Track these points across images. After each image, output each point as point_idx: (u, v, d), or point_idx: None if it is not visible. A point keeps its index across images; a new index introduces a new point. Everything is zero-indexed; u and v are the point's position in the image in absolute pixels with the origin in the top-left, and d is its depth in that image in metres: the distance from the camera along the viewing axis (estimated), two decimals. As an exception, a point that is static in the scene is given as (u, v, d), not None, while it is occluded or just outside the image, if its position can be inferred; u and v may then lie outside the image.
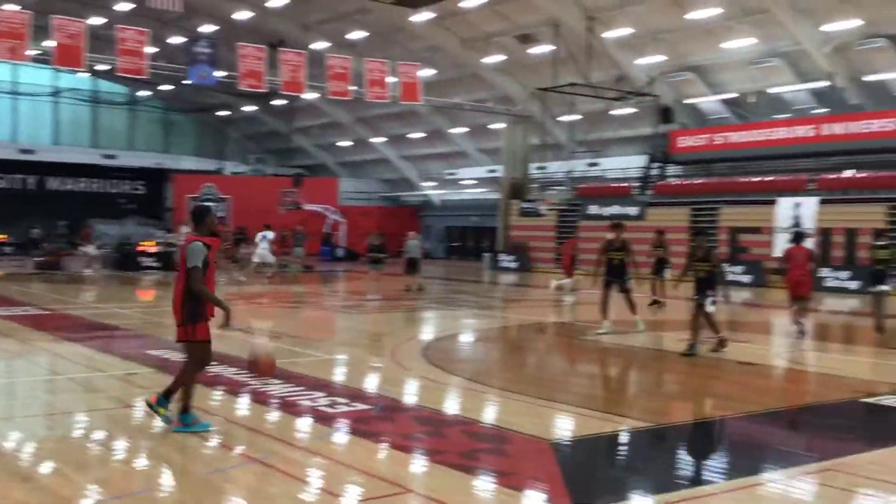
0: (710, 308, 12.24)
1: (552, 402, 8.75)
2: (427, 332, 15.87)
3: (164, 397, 7.01)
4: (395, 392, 9.28)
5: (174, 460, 6.43)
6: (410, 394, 9.49)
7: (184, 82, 35.76)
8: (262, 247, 25.28)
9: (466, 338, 15.30)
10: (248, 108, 53.36)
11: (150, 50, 30.90)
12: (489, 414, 8.39)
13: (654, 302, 19.20)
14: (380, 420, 7.77)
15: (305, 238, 34.64)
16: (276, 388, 8.78)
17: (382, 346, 13.18)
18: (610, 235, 14.53)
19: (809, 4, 29.79)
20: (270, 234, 25.82)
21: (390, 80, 33.56)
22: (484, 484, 5.90)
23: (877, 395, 9.44)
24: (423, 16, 36.77)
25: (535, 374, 11.53)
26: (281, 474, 5.98)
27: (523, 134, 41.33)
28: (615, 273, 14.30)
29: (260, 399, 8.34)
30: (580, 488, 5.83)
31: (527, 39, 38.12)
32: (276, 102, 48.57)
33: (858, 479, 6.14)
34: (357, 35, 39.38)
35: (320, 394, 8.57)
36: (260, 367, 7.70)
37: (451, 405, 8.82)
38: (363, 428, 7.32)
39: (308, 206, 45.57)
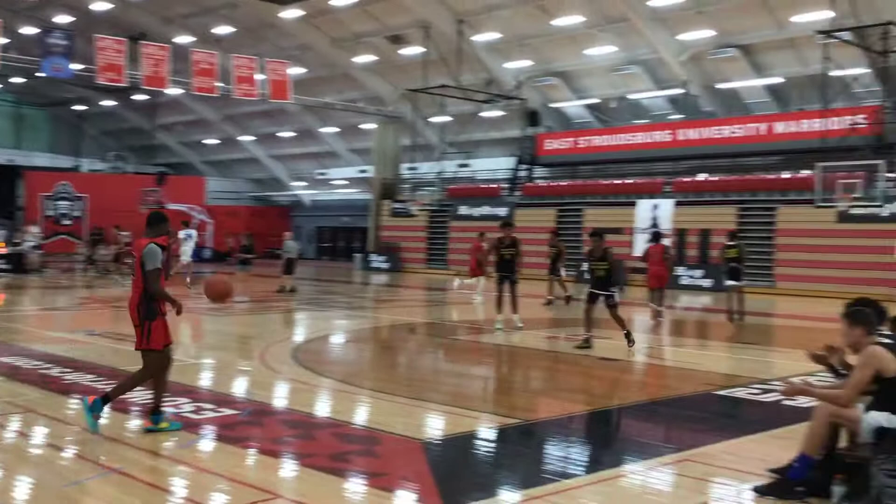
0: (612, 303, 12.74)
1: (423, 402, 8.79)
2: (297, 334, 15.66)
3: (155, 413, 7.06)
4: (264, 396, 9.10)
5: (28, 473, 6.08)
6: (280, 397, 9.32)
7: (37, 75, 33.93)
8: (189, 246, 24.34)
9: (337, 339, 15.18)
10: (107, 103, 51.18)
11: (1, 40, 29.16)
12: (360, 415, 8.36)
13: (549, 301, 20.25)
14: (247, 425, 7.60)
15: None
16: (137, 395, 8.45)
17: (251, 349, 12.89)
18: (500, 234, 15.27)
19: (666, 14, 31.17)
20: (194, 233, 24.63)
21: (259, 77, 32.93)
22: (354, 486, 5.87)
23: (729, 387, 9.97)
24: (291, 13, 36.28)
25: (406, 374, 11.56)
26: (142, 484, 5.75)
27: (394, 134, 41.41)
28: (506, 269, 15.02)
29: (119, 406, 8.00)
30: (450, 487, 5.88)
31: (397, 40, 38.22)
32: (138, 97, 46.82)
33: (713, 468, 6.46)
34: (223, 30, 38.43)
35: (185, 400, 8.30)
36: (213, 290, 7.55)
37: (322, 407, 8.73)
38: (230, 434, 7.14)
39: (172, 206, 44.16)
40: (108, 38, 29.72)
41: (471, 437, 7.45)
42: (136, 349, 7.06)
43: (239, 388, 9.69)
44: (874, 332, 5.67)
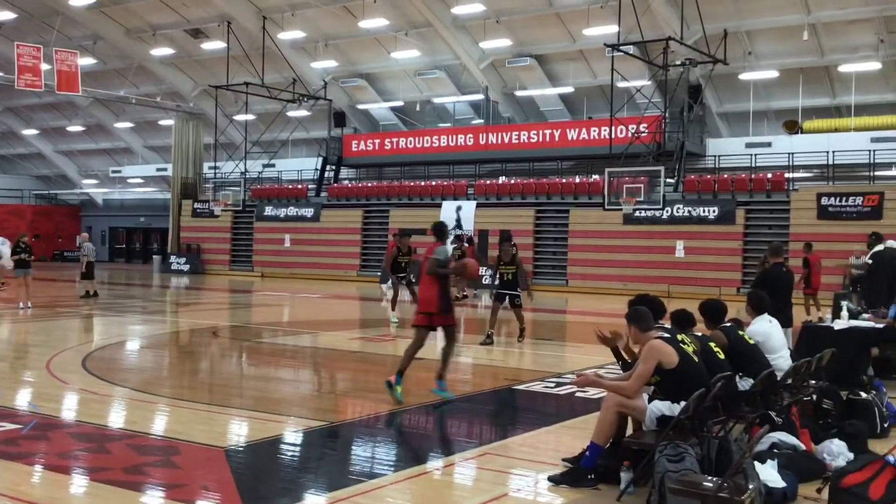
0: (517, 303, 13.78)
1: (225, 408, 8.57)
2: (88, 341, 14.75)
3: (440, 379, 8.98)
4: (51, 408, 8.52)
5: None
6: (69, 409, 8.77)
7: None
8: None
9: (133, 345, 14.46)
10: None
11: None
12: (157, 425, 8.02)
13: (458, 298, 22.16)
14: (32, 440, 7.09)
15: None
16: None
17: (36, 359, 12.02)
18: (399, 244, 16.89)
19: (467, 22, 32.06)
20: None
21: (45, 66, 30.73)
22: (151, 500, 5.63)
23: (527, 381, 10.42)
24: (80, 0, 34.19)
25: (207, 379, 11.22)
26: None
27: (195, 132, 39.98)
28: (403, 272, 16.96)
29: None
30: (254, 494, 5.77)
31: (198, 34, 36.92)
32: None
33: (512, 460, 6.73)
34: (5, 15, 35.58)
35: (-41, 416, 7.63)
36: (468, 271, 9.36)
37: (115, 418, 8.30)
38: (12, 450, 6.63)
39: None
40: None
41: (276, 441, 7.34)
42: (443, 325, 8.90)
43: (21, 400, 9.02)
44: (653, 327, 6.12)
